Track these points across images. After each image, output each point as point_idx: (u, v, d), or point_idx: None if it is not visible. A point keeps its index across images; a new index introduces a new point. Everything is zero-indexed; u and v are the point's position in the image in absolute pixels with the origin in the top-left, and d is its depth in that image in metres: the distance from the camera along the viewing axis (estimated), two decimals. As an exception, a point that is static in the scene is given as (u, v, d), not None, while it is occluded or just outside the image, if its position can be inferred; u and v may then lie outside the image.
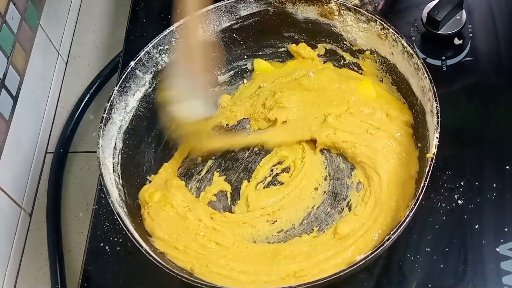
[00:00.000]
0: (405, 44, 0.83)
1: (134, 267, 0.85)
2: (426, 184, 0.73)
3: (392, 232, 0.71)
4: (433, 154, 0.74)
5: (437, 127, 0.76)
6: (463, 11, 0.94)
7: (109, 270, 0.86)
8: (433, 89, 0.78)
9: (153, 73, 0.89)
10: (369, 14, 0.86)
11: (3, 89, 0.99)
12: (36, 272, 1.02)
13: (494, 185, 0.84)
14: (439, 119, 0.76)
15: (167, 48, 0.89)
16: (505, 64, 0.94)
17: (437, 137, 0.75)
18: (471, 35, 0.96)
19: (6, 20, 1.00)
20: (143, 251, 0.74)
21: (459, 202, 0.84)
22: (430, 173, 0.73)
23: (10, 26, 1.01)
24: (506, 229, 0.81)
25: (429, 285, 0.79)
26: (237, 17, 0.91)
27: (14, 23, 1.03)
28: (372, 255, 0.70)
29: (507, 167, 0.85)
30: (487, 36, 0.97)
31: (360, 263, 0.70)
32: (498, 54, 0.95)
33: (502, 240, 0.81)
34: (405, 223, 0.71)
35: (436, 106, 0.77)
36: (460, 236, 0.82)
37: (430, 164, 0.74)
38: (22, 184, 1.05)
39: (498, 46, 0.96)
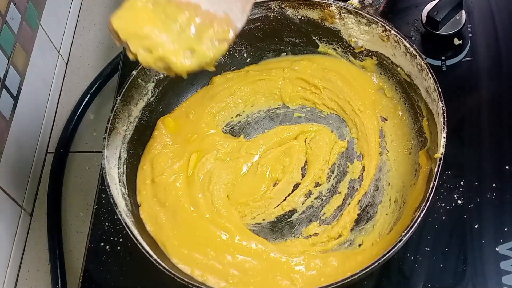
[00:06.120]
0: (407, 45, 0.83)
1: (134, 267, 0.85)
2: (435, 184, 0.73)
3: (404, 234, 0.71)
4: (441, 154, 0.74)
5: (443, 127, 0.76)
6: (463, 11, 0.94)
7: (109, 270, 0.86)
8: (438, 89, 0.78)
9: (155, 81, 0.89)
10: (370, 16, 0.85)
11: (3, 89, 0.99)
12: (37, 272, 1.02)
13: (494, 185, 0.84)
14: (445, 119, 0.76)
15: None
16: (504, 64, 0.94)
17: (444, 137, 0.75)
18: (470, 35, 0.96)
19: (7, 20, 1.00)
20: (153, 260, 0.74)
21: (459, 202, 0.84)
22: (438, 173, 0.73)
23: (10, 26, 1.01)
24: (505, 229, 0.81)
25: (429, 285, 0.79)
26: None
27: (15, 23, 1.03)
28: (386, 256, 0.70)
29: (507, 167, 0.86)
30: (487, 36, 0.97)
31: (375, 265, 0.70)
32: (497, 54, 0.95)
33: (501, 240, 0.81)
34: (416, 223, 0.72)
35: (442, 106, 0.77)
36: (460, 236, 0.82)
37: (439, 164, 0.74)
38: (23, 184, 1.05)
39: (498, 46, 0.96)
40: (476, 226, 0.82)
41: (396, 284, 0.81)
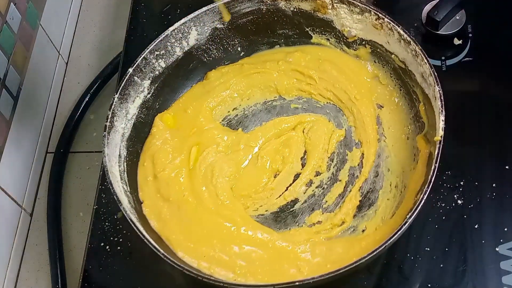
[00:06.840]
0: (401, 32, 0.83)
1: (134, 267, 0.85)
2: (437, 166, 0.73)
3: (408, 216, 0.71)
4: (441, 136, 0.75)
5: (441, 110, 0.76)
6: (463, 11, 0.94)
7: (109, 270, 0.86)
8: (434, 74, 0.78)
9: (150, 78, 0.89)
10: (363, 5, 0.85)
11: (3, 89, 0.99)
12: (37, 272, 1.02)
13: (494, 185, 0.84)
14: (443, 102, 0.76)
15: (163, 53, 0.89)
16: (504, 64, 0.94)
17: (442, 120, 0.75)
18: (471, 35, 0.96)
19: (7, 20, 1.00)
20: (160, 255, 0.73)
21: (459, 202, 0.84)
22: (439, 155, 0.73)
23: (10, 26, 1.01)
24: (505, 229, 0.81)
25: (429, 285, 0.79)
26: (230, 17, 0.92)
27: (15, 23, 1.03)
28: (390, 240, 0.70)
29: (507, 167, 0.86)
30: (487, 36, 0.97)
31: (381, 249, 0.70)
32: (498, 54, 0.95)
33: (501, 240, 0.81)
34: (420, 205, 0.71)
35: (439, 90, 0.77)
36: (460, 236, 0.82)
37: (439, 147, 0.74)
38: (23, 184, 1.05)
39: (498, 46, 0.96)
40: (476, 226, 0.82)
41: (396, 284, 0.81)
